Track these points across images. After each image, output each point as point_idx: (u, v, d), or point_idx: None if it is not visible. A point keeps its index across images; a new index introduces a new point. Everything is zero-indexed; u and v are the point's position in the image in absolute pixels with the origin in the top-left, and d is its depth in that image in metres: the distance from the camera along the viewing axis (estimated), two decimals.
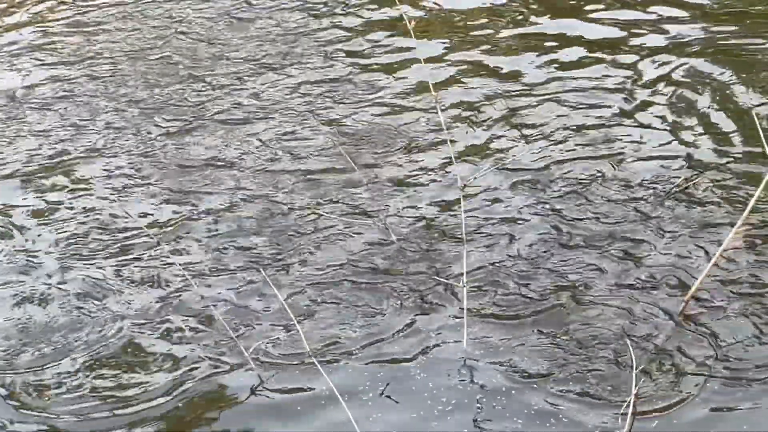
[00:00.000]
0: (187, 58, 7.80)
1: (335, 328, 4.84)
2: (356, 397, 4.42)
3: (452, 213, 5.60)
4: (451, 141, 6.19)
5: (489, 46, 7.70)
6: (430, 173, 6.07)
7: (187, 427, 4.40)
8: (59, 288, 5.23)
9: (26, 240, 5.67)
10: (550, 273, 5.12)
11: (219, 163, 6.30)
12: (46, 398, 4.53)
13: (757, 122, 4.82)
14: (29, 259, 5.49)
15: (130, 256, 5.47)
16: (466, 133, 6.49)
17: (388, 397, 4.43)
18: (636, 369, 4.30)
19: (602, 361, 4.56)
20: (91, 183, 6.20)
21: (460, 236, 5.20)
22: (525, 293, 4.99)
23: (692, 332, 4.68)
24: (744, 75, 6.91)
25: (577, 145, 6.27)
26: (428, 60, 7.20)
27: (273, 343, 4.75)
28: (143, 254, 5.47)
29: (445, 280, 5.04)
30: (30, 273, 5.37)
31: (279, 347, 4.73)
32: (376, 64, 7.52)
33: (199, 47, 7.98)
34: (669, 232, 5.36)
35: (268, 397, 4.50)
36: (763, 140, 4.70)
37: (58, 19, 8.72)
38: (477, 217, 5.57)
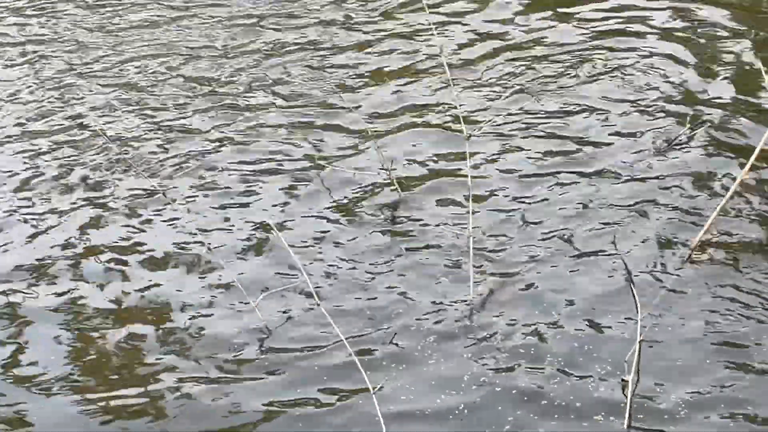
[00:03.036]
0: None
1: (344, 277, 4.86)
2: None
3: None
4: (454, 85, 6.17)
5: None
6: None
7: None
8: None
9: None
10: (552, 221, 5.13)
11: None
12: None
13: (763, 70, 4.79)
14: None
15: None
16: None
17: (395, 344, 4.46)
18: (641, 317, 4.32)
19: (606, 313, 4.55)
20: None
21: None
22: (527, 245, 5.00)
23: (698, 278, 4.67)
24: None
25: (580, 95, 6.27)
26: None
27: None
28: None
29: (452, 228, 5.04)
30: None
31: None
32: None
33: None
34: (673, 179, 5.36)
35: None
36: None
37: None
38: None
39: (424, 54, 6.86)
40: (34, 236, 5.30)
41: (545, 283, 4.70)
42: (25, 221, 5.43)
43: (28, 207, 5.56)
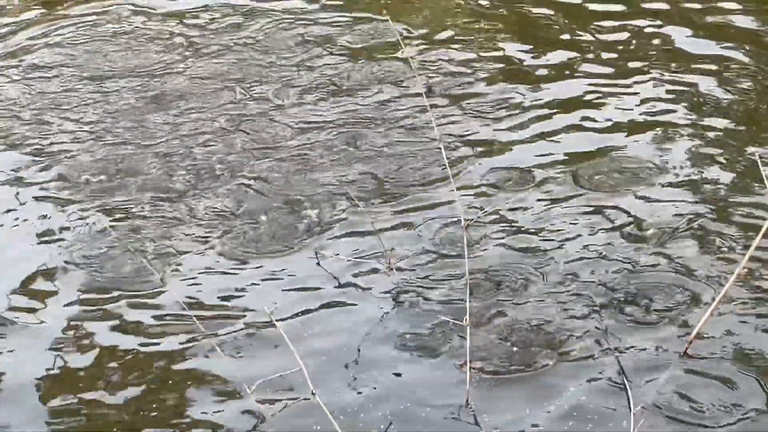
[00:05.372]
0: None
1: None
2: None
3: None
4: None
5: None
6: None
7: None
8: None
9: None
10: (546, 311, 5.15)
11: None
12: None
13: (760, 163, 4.85)
14: None
15: None
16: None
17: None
18: (633, 410, 4.32)
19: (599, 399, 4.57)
20: None
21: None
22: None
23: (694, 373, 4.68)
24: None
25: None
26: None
27: None
28: None
29: (449, 318, 5.05)
30: None
31: None
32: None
33: None
34: (674, 269, 5.38)
35: None
36: (765, 179, 4.71)
37: None
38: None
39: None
40: None
41: (537, 377, 4.73)
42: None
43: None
